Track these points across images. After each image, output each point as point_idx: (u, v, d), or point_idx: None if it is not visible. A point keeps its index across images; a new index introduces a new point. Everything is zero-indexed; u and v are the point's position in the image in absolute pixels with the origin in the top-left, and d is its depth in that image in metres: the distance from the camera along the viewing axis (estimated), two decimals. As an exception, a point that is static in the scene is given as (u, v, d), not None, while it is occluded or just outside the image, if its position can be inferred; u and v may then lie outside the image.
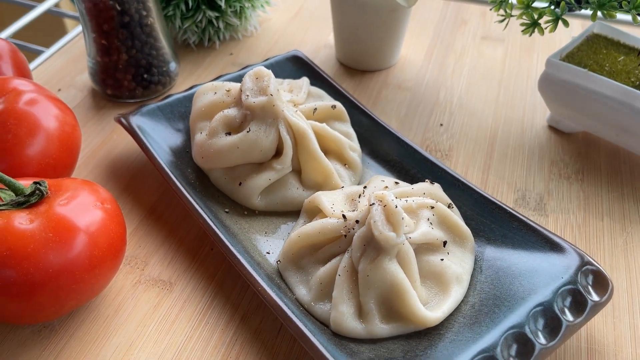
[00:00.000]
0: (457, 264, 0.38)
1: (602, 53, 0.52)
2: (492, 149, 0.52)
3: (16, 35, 0.69)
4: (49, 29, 0.78)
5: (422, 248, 0.38)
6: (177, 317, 0.39)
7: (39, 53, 0.65)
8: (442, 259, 0.37)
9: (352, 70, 0.61)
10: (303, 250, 0.39)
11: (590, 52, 0.52)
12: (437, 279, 0.37)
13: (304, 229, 0.39)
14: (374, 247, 0.35)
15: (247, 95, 0.43)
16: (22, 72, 0.50)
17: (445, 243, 0.38)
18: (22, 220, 0.33)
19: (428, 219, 0.38)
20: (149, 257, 0.42)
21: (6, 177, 0.35)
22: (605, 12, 0.43)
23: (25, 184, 0.36)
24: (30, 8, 0.73)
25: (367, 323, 0.35)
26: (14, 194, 0.35)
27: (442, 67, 0.62)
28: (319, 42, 0.65)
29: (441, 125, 0.54)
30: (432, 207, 0.39)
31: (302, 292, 0.37)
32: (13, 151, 0.40)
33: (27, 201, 0.35)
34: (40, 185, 0.35)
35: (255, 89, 0.43)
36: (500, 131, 0.54)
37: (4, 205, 0.34)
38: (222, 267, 0.42)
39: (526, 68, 0.61)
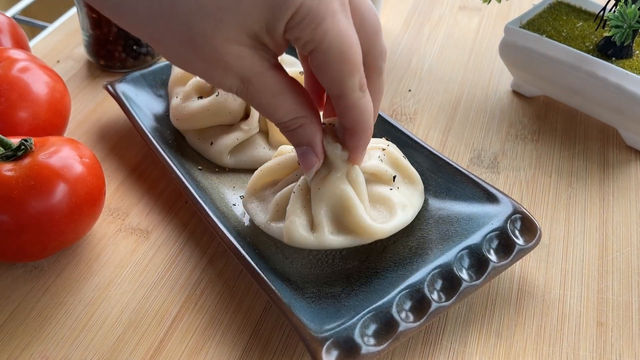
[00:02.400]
0: (405, 197, 0.41)
1: (562, 19, 0.54)
2: (455, 112, 0.55)
3: (24, 11, 0.74)
4: (54, 5, 0.83)
5: (373, 180, 0.41)
6: (151, 260, 0.43)
7: (43, 28, 0.70)
8: (390, 189, 0.41)
9: (331, 40, 0.64)
10: (265, 185, 0.42)
11: (551, 18, 0.54)
12: (385, 203, 0.40)
13: (265, 164, 0.42)
14: (325, 166, 0.38)
15: (216, 62, 0.47)
16: (20, 45, 0.55)
17: (394, 178, 0.41)
18: (8, 170, 0.38)
19: (379, 157, 0.42)
20: (129, 209, 0.47)
21: (-4, 134, 0.40)
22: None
23: (15, 141, 0.41)
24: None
25: (318, 233, 0.38)
26: (3, 149, 0.40)
27: (418, 35, 0.65)
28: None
29: (409, 90, 0.58)
30: (384, 149, 0.42)
31: (260, 216, 0.41)
32: (6, 113, 0.44)
33: (14, 155, 0.39)
34: (26, 141, 0.40)
35: (224, 56, 0.47)
36: (465, 95, 0.57)
37: (-6, 158, 0.39)
38: (193, 218, 0.46)
39: (499, 36, 0.64)
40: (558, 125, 0.53)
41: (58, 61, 0.62)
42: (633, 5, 0.38)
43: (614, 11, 0.50)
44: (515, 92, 0.57)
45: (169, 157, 0.46)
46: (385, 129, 0.48)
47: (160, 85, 0.53)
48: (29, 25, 0.73)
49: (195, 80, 0.48)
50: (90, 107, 0.57)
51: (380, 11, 0.64)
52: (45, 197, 0.38)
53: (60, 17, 0.71)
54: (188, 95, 0.48)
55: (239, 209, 0.45)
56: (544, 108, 0.55)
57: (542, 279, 0.41)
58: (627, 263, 0.42)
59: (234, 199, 0.45)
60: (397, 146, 0.46)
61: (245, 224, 0.43)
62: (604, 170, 0.49)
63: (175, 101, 0.49)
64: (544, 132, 0.53)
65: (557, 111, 0.54)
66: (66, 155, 0.40)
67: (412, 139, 0.47)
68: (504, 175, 0.49)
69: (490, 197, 0.41)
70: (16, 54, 0.48)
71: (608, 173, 0.49)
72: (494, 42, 0.63)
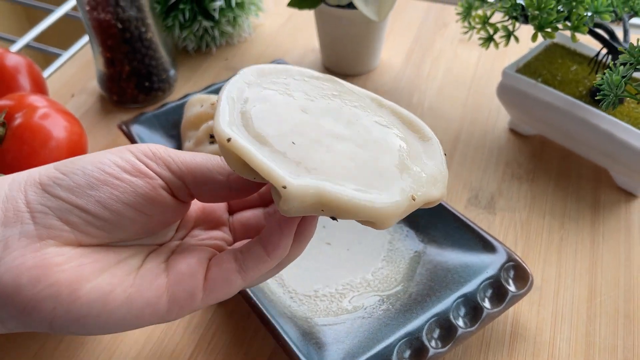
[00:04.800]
0: None
1: (557, 63, 0.56)
2: (455, 150, 0.57)
3: (37, 38, 0.77)
4: (67, 31, 0.85)
5: None
6: (165, 300, 0.46)
7: (57, 56, 0.73)
8: None
9: (336, 74, 0.67)
10: None
11: (547, 61, 0.57)
12: None
13: None
14: None
15: (227, 110, 0.49)
16: (38, 84, 0.57)
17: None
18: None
19: None
20: (144, 248, 0.50)
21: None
22: (544, 33, 0.48)
23: (38, 189, 0.43)
24: (49, 12, 0.80)
25: None
26: (28, 199, 0.43)
27: (419, 70, 0.67)
28: (307, 47, 0.71)
29: (410, 127, 0.60)
30: None
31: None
32: (29, 160, 0.47)
33: (38, 206, 0.42)
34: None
35: (234, 104, 0.49)
36: (464, 133, 0.59)
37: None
38: (205, 257, 0.49)
39: (497, 72, 0.66)
40: (553, 165, 0.56)
41: (73, 95, 0.65)
42: (620, 70, 0.40)
43: (606, 59, 0.52)
44: (512, 131, 0.59)
45: (181, 199, 0.49)
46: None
47: (172, 125, 0.56)
48: (42, 52, 0.75)
49: (207, 126, 0.50)
50: (104, 143, 0.59)
51: (383, 43, 0.66)
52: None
53: (74, 45, 0.73)
54: (200, 141, 0.50)
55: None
56: (540, 147, 0.57)
57: (534, 321, 0.44)
58: (614, 306, 0.45)
59: (243, 241, 0.48)
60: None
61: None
62: (595, 211, 0.51)
63: (187, 145, 0.51)
64: (539, 171, 0.55)
65: (553, 150, 0.57)
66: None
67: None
68: (500, 216, 0.51)
69: (486, 245, 0.44)
70: (36, 100, 0.50)
71: (598, 214, 0.51)
72: (492, 78, 0.65)
